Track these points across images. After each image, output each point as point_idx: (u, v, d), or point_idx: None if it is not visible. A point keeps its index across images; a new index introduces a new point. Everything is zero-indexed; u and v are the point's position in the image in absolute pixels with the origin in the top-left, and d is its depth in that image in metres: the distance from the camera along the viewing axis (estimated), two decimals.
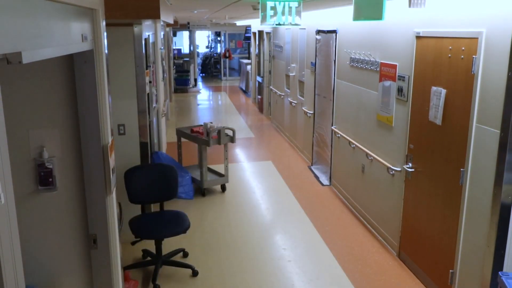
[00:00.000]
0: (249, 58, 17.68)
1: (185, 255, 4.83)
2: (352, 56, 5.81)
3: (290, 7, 4.76)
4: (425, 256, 4.29)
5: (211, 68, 23.34)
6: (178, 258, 4.76)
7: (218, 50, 23.01)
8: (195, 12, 8.25)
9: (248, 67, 15.93)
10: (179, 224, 4.44)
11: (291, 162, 8.28)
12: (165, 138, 8.90)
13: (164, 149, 8.38)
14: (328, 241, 5.14)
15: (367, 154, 5.42)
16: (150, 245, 4.65)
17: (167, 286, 4.29)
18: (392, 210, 4.92)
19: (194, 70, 19.22)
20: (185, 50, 22.58)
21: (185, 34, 22.52)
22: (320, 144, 7.55)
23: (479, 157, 3.48)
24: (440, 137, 3.98)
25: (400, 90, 4.60)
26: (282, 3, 4.72)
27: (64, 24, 1.98)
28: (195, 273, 4.44)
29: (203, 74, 23.34)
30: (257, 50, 13.81)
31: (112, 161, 2.76)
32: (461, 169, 3.68)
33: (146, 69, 5.16)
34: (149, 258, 4.68)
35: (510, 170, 3.24)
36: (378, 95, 5.10)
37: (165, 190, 4.67)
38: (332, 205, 6.25)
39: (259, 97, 13.17)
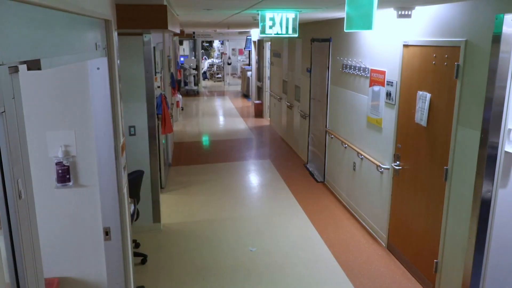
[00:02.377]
0: (249, 64, 17.68)
1: (137, 246, 4.66)
2: (345, 63, 5.81)
3: (287, 18, 4.75)
4: (412, 246, 4.29)
5: (214, 74, 23.34)
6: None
7: (221, 58, 23.01)
8: (200, 20, 8.25)
9: (249, 73, 15.92)
10: None
11: (288, 161, 8.28)
12: (172, 138, 8.90)
13: (170, 148, 8.38)
14: (322, 233, 5.14)
15: (358, 153, 5.42)
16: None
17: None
18: (381, 205, 4.92)
19: (198, 76, 19.30)
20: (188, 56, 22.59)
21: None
22: (315, 144, 7.54)
23: (461, 156, 3.48)
24: (425, 137, 3.98)
25: (388, 95, 4.60)
26: (280, 14, 4.71)
27: (79, 34, 1.98)
28: (144, 261, 4.35)
29: (207, 78, 23.34)
30: (257, 57, 13.80)
31: (123, 160, 2.76)
32: (445, 167, 3.68)
33: (155, 75, 5.15)
34: None
35: (490, 168, 3.24)
36: (368, 99, 5.10)
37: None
38: (326, 200, 6.25)
39: (257, 101, 13.16)
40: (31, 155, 1.45)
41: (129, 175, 4.28)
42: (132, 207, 4.27)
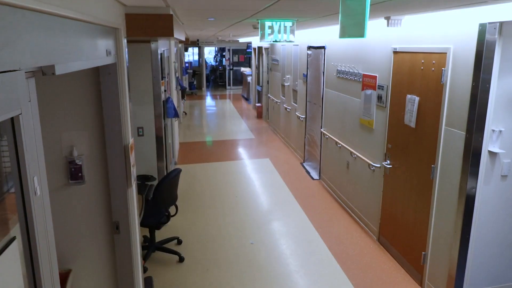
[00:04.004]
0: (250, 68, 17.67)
1: (179, 242, 4.73)
2: (339, 69, 5.81)
3: (285, 26, 4.75)
4: (401, 240, 4.29)
5: (217, 79, 23.31)
6: (172, 245, 4.68)
7: (224, 63, 22.98)
8: (204, 31, 8.24)
9: (249, 78, 15.91)
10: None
11: (286, 159, 8.27)
12: (178, 138, 8.90)
13: (176, 148, 8.38)
14: (317, 227, 5.14)
15: (351, 153, 5.41)
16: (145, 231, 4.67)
17: (154, 268, 4.23)
18: (372, 201, 4.92)
19: (202, 80, 19.32)
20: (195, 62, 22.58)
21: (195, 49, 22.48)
22: (311, 144, 7.54)
23: (447, 155, 3.48)
24: (414, 138, 3.98)
25: (379, 98, 4.60)
26: (278, 23, 4.71)
27: (91, 41, 1.98)
28: (181, 259, 4.34)
29: (209, 84, 23.32)
30: (257, 63, 13.80)
31: (132, 158, 2.76)
32: (432, 166, 3.68)
33: (162, 79, 5.15)
34: (146, 244, 4.53)
35: (474, 166, 3.24)
36: (361, 102, 5.10)
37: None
38: (321, 196, 6.25)
39: (259, 104, 13.16)
40: (47, 154, 1.45)
41: (169, 174, 4.27)
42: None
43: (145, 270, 4.12)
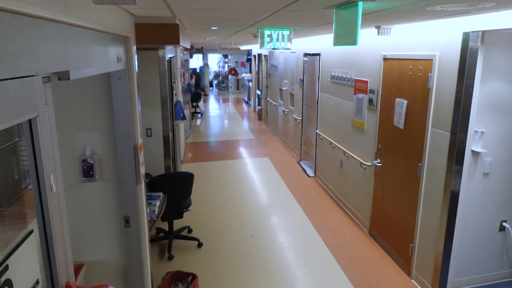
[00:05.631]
0: (250, 73, 17.66)
1: (190, 231, 4.84)
2: (333, 74, 5.80)
3: (283, 35, 4.75)
4: (391, 233, 4.29)
5: (220, 83, 23.31)
6: (184, 233, 4.79)
7: (226, 69, 22.99)
8: (208, 39, 8.24)
9: (250, 83, 15.90)
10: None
11: (284, 158, 8.27)
12: (183, 139, 8.90)
13: (182, 147, 8.38)
14: (312, 221, 5.14)
15: (344, 152, 5.41)
16: (159, 224, 4.72)
17: (179, 255, 4.30)
18: (364, 197, 4.91)
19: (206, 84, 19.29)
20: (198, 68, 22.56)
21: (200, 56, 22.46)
22: (307, 144, 7.54)
23: (433, 154, 3.48)
24: (402, 138, 3.98)
25: (370, 101, 4.59)
26: (276, 32, 4.71)
27: (103, 49, 1.98)
28: (200, 245, 4.47)
29: (212, 88, 23.31)
30: (256, 69, 13.79)
31: (141, 157, 2.75)
32: (419, 164, 3.68)
33: (172, 84, 5.13)
34: (162, 235, 4.67)
35: (458, 165, 3.24)
36: (353, 105, 5.10)
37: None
38: (316, 193, 6.25)
39: (259, 107, 13.16)
40: (62, 153, 1.45)
41: (180, 175, 4.33)
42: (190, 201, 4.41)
43: (171, 257, 4.19)
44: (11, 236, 1.63)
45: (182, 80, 8.71)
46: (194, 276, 3.64)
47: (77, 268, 2.54)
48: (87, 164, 2.55)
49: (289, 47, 4.84)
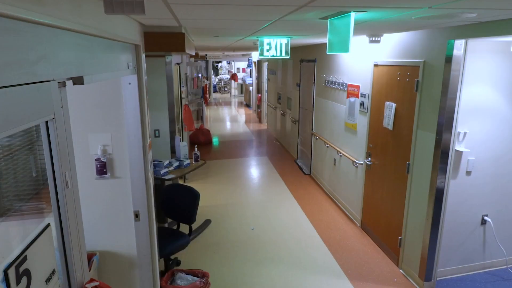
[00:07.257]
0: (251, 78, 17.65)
1: (178, 263, 4.02)
2: (327, 79, 5.80)
3: (281, 43, 4.75)
4: (380, 226, 4.28)
5: (222, 88, 23.31)
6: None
7: (228, 75, 22.98)
8: (211, 47, 8.23)
9: (251, 87, 15.89)
10: (179, 239, 3.52)
11: (282, 157, 8.27)
12: (187, 139, 8.88)
13: (187, 147, 8.35)
14: (308, 215, 5.14)
15: (337, 151, 5.41)
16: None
17: (185, 251, 4.28)
18: (356, 193, 4.91)
19: (210, 88, 19.26)
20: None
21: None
22: (303, 143, 7.54)
23: (420, 153, 3.48)
24: (391, 138, 3.97)
25: (362, 104, 4.59)
26: (275, 40, 4.71)
27: (114, 56, 1.98)
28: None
29: (216, 91, 23.31)
30: (257, 74, 13.79)
31: (150, 156, 2.75)
32: (407, 162, 3.68)
33: (181, 88, 5.11)
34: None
35: (443, 163, 3.24)
36: (346, 108, 5.10)
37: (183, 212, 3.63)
38: (312, 189, 6.24)
39: (259, 110, 13.15)
40: (76, 152, 1.45)
41: (182, 195, 3.61)
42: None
43: (179, 263, 3.97)
44: (29, 229, 1.63)
45: (192, 85, 8.71)
46: (203, 274, 3.40)
47: (90, 256, 2.54)
48: (100, 163, 2.55)
49: (287, 54, 4.84)
